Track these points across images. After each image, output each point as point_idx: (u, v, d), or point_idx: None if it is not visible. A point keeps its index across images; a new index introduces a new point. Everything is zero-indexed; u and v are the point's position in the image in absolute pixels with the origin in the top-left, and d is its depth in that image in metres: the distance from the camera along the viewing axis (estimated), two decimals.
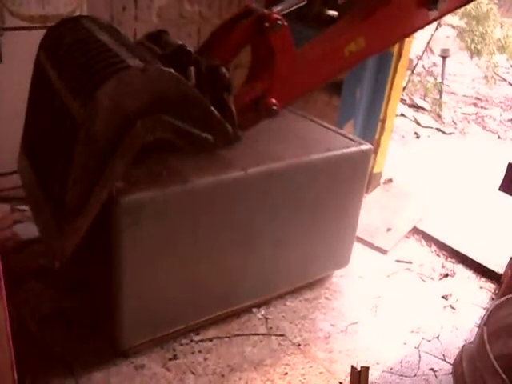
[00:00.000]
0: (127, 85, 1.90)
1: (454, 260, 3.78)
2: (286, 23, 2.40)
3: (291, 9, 2.58)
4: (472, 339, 2.94)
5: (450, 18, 7.32)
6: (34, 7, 3.34)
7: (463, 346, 2.53)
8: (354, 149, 2.98)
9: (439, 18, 2.81)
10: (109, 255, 2.34)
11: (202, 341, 2.77)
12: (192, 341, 2.76)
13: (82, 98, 1.93)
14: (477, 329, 3.04)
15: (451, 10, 2.86)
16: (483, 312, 3.24)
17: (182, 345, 2.73)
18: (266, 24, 2.36)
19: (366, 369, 2.58)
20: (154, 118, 2.01)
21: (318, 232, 3.03)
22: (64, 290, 2.93)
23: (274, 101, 2.49)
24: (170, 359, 2.64)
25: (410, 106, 7.05)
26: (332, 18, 3.88)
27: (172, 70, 2.03)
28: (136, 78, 1.92)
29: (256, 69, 2.58)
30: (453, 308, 3.28)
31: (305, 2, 2.64)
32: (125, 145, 1.98)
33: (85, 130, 1.91)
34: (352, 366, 2.60)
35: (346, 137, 3.11)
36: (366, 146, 3.04)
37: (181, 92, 2.07)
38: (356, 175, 3.06)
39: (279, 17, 2.39)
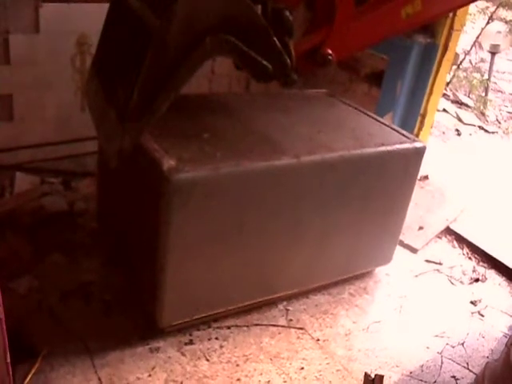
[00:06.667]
0: (203, 2, 2.06)
1: (486, 265, 3.65)
2: None
3: None
4: (499, 349, 2.84)
5: (503, 12, 7.06)
6: None
7: (487, 362, 2.42)
8: (407, 145, 2.92)
9: None
10: (155, 233, 2.33)
11: (219, 328, 2.73)
12: (210, 327, 2.72)
13: (159, 11, 2.08)
14: (504, 339, 2.94)
15: None
16: None
17: (199, 330, 2.69)
18: None
19: (379, 377, 2.51)
20: (221, 38, 2.14)
21: (364, 227, 2.97)
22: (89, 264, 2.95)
23: (330, 51, 2.61)
24: (186, 344, 2.61)
25: (453, 101, 6.85)
26: None
27: None
28: None
29: (317, 21, 2.71)
30: (481, 315, 3.17)
31: None
32: (192, 58, 2.11)
33: (158, 39, 2.04)
34: (365, 374, 2.54)
35: (400, 133, 3.04)
36: (420, 144, 2.97)
37: (250, 18, 2.18)
38: (407, 172, 2.98)
39: None
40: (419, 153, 2.96)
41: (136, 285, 2.76)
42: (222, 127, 2.68)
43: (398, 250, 3.56)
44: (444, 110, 6.43)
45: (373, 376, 2.55)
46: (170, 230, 2.29)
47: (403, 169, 2.94)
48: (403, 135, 3.00)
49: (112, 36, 2.57)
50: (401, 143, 2.90)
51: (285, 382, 2.52)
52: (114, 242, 2.98)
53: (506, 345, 2.36)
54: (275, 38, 2.29)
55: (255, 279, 2.70)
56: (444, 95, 6.40)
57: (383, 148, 2.81)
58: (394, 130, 3.07)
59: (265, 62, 2.29)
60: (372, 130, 2.99)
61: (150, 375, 2.41)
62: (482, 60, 8.08)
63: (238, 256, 2.57)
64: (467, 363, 2.80)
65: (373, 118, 3.18)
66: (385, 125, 3.11)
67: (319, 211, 2.71)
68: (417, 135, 3.99)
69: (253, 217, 2.51)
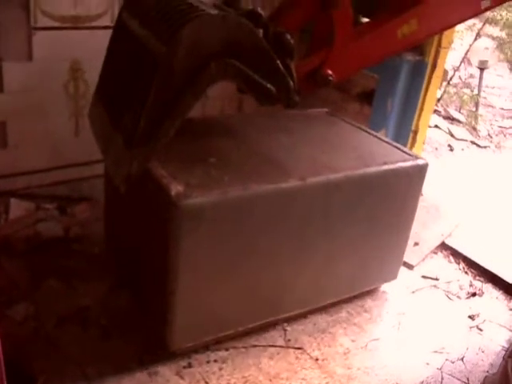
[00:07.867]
0: (207, 28, 2.09)
1: (482, 279, 3.66)
2: (347, 1, 2.58)
3: None
4: (499, 363, 2.83)
5: (490, 29, 7.17)
6: (66, 8, 3.36)
7: (485, 377, 2.42)
8: (410, 163, 2.94)
9: (491, 8, 2.89)
10: (165, 258, 2.33)
11: (218, 350, 2.71)
12: (208, 349, 2.70)
13: (164, 38, 2.12)
14: (504, 352, 2.93)
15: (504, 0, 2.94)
16: (511, 335, 3.12)
17: (197, 353, 2.67)
18: None
19: None
20: (226, 62, 2.19)
21: (370, 246, 2.96)
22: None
23: (330, 72, 2.67)
24: (185, 367, 2.59)
25: (444, 117, 6.91)
26: None
27: (249, 22, 2.20)
28: (216, 24, 2.11)
29: (316, 42, 2.79)
30: (479, 329, 3.16)
31: None
32: (198, 83, 2.15)
33: (164, 65, 2.08)
34: None
35: (402, 150, 3.07)
36: (422, 161, 2.99)
37: (253, 43, 2.23)
38: (410, 190, 2.99)
39: None
40: (422, 170, 2.97)
41: (145, 308, 2.75)
42: (227, 150, 2.69)
43: None
44: (436, 126, 6.48)
45: None
46: (179, 254, 2.29)
47: (407, 186, 2.95)
48: (405, 153, 3.03)
49: (115, 62, 2.60)
50: (404, 161, 2.92)
51: None
52: (121, 265, 2.98)
53: (503, 357, 2.36)
54: (279, 62, 2.33)
55: (263, 301, 2.70)
56: (435, 111, 6.45)
57: (386, 167, 2.82)
58: (395, 147, 3.09)
59: (269, 86, 2.32)
60: (375, 149, 3.01)
61: None
62: (472, 76, 8.17)
63: (247, 278, 2.57)
64: (467, 378, 2.79)
65: (374, 136, 3.20)
66: (387, 143, 3.13)
67: (326, 232, 2.72)
68: None
69: (260, 240, 2.51)
